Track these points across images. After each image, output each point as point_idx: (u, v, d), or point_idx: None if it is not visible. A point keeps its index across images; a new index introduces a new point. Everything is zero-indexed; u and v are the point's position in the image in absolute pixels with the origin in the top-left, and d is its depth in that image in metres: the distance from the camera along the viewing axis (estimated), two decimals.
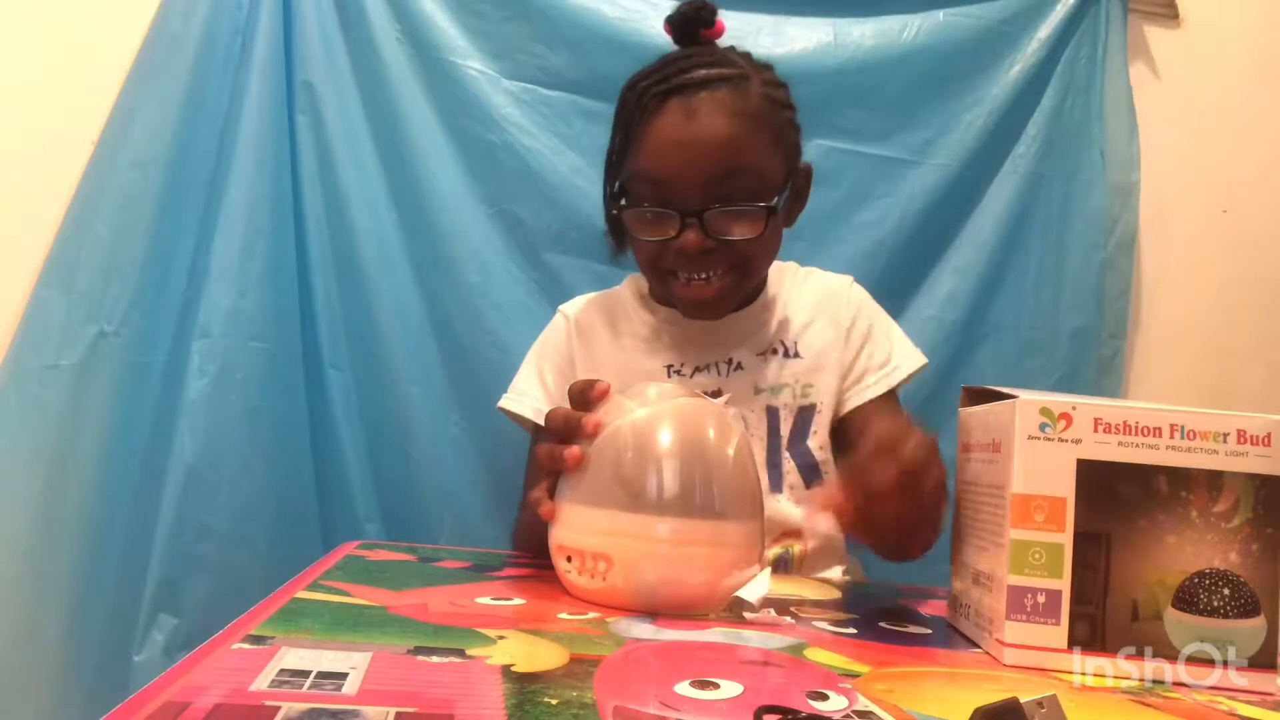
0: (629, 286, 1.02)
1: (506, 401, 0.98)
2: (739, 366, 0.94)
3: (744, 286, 0.92)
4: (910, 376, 0.97)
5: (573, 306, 1.01)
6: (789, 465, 0.92)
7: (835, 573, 0.93)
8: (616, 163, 0.90)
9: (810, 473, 0.93)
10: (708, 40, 0.92)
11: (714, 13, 0.92)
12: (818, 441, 0.93)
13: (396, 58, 1.17)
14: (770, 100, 0.88)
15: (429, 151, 1.17)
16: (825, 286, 1.00)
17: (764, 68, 0.91)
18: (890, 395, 0.95)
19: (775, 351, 0.95)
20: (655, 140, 0.85)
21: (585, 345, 0.97)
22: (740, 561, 0.62)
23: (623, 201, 0.88)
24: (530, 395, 0.97)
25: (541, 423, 0.89)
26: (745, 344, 0.95)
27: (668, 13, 1.09)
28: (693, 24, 0.91)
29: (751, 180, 0.85)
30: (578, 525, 0.63)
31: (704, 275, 0.87)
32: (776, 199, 0.87)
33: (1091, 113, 1.29)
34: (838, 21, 1.24)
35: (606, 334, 0.98)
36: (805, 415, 0.93)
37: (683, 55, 0.89)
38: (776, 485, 0.92)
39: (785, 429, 0.93)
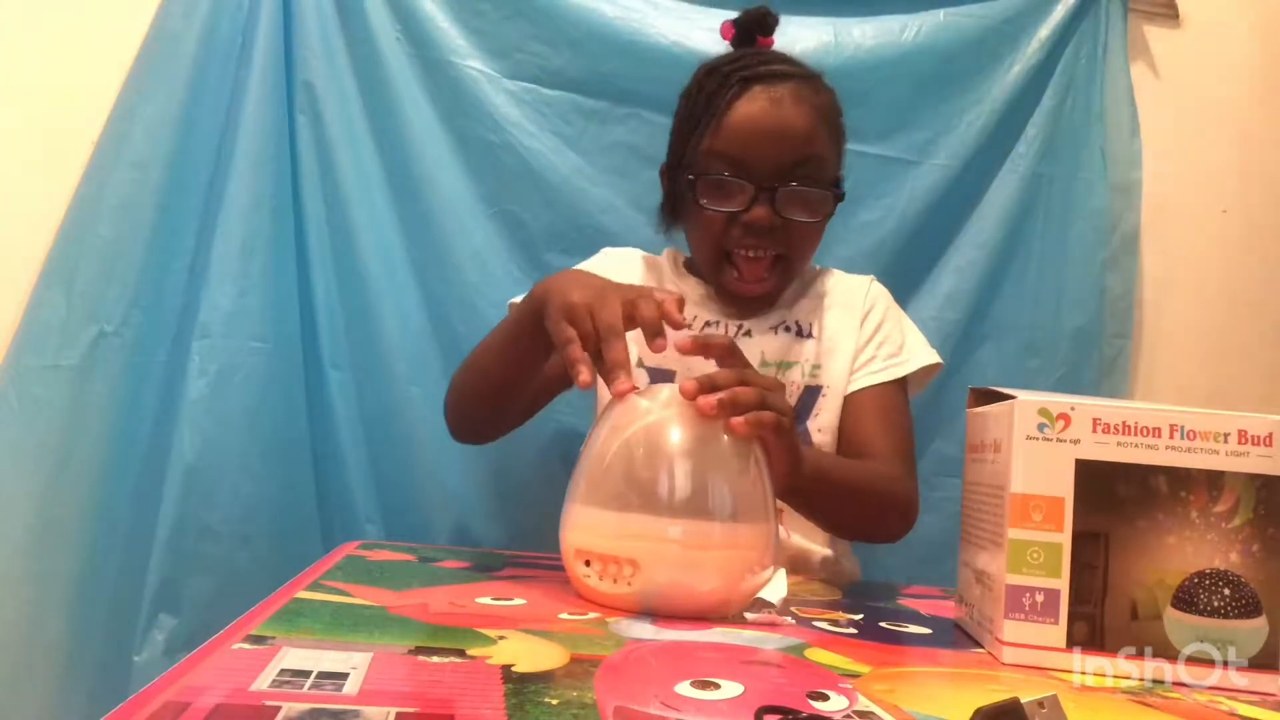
0: (668, 258, 1.04)
1: (517, 297, 0.93)
2: (748, 333, 0.95)
3: (790, 278, 0.97)
4: (923, 374, 0.97)
5: (617, 250, 1.05)
6: None
7: (816, 540, 0.93)
8: (687, 138, 0.93)
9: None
10: (761, 46, 0.99)
11: (777, 21, 0.99)
12: (818, 424, 0.93)
13: (396, 58, 1.16)
14: (834, 105, 0.95)
15: (429, 151, 1.17)
16: (845, 281, 1.03)
17: (821, 75, 0.96)
18: (897, 387, 0.95)
19: (789, 329, 0.96)
20: (739, 121, 0.90)
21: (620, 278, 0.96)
22: (755, 564, 0.61)
23: (690, 174, 0.91)
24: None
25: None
26: (760, 315, 0.97)
27: (668, 12, 1.10)
28: (754, 29, 0.99)
29: (820, 171, 0.92)
30: (598, 529, 0.62)
31: (760, 253, 0.91)
32: (841, 189, 0.94)
33: (1092, 112, 1.29)
34: (838, 21, 1.24)
35: (643, 280, 0.99)
36: (810, 395, 0.94)
37: (756, 51, 0.97)
38: None
39: None
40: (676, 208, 0.98)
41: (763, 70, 0.91)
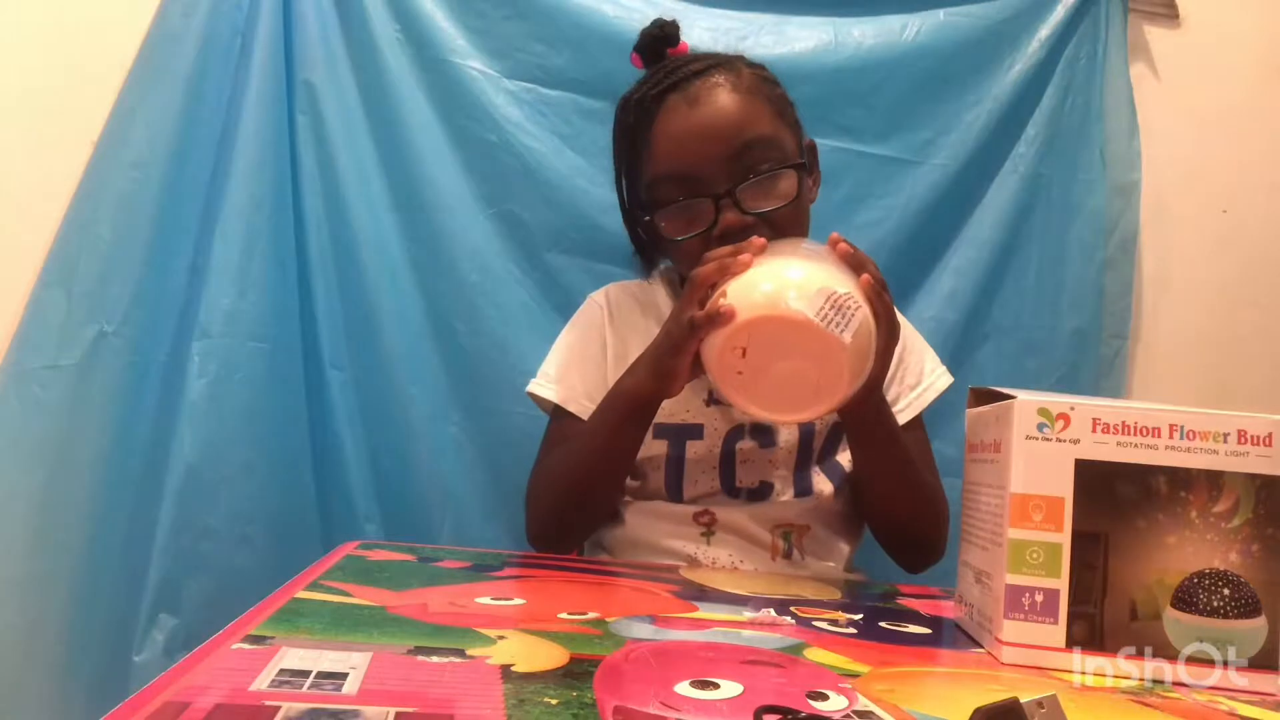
0: (661, 277, 1.00)
1: (536, 387, 0.96)
2: None
3: None
4: (938, 397, 0.96)
5: (607, 294, 1.00)
6: (818, 477, 0.93)
7: (837, 566, 0.93)
8: (630, 179, 0.90)
9: (840, 484, 0.94)
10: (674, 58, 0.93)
11: (678, 29, 0.93)
12: (848, 457, 0.93)
13: (396, 58, 1.17)
14: (760, 78, 0.89)
15: (429, 151, 1.17)
16: None
17: (740, 56, 0.92)
18: (918, 416, 0.95)
19: None
20: (666, 138, 0.86)
21: (617, 333, 0.96)
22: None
23: (647, 214, 0.87)
24: (562, 383, 0.95)
25: (571, 409, 0.92)
26: None
27: (668, 12, 1.10)
28: (659, 43, 0.92)
29: (769, 149, 0.85)
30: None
31: None
32: (801, 160, 0.87)
33: (1091, 113, 1.29)
34: (838, 21, 1.24)
35: (640, 323, 0.96)
36: (838, 430, 0.93)
37: (659, 67, 0.91)
38: (805, 490, 0.92)
39: (817, 443, 0.93)
40: (650, 248, 0.95)
41: (671, 79, 0.87)
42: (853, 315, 0.65)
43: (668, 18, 0.94)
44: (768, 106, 0.87)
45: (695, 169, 0.84)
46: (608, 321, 0.97)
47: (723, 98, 0.85)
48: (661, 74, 0.88)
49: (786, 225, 0.83)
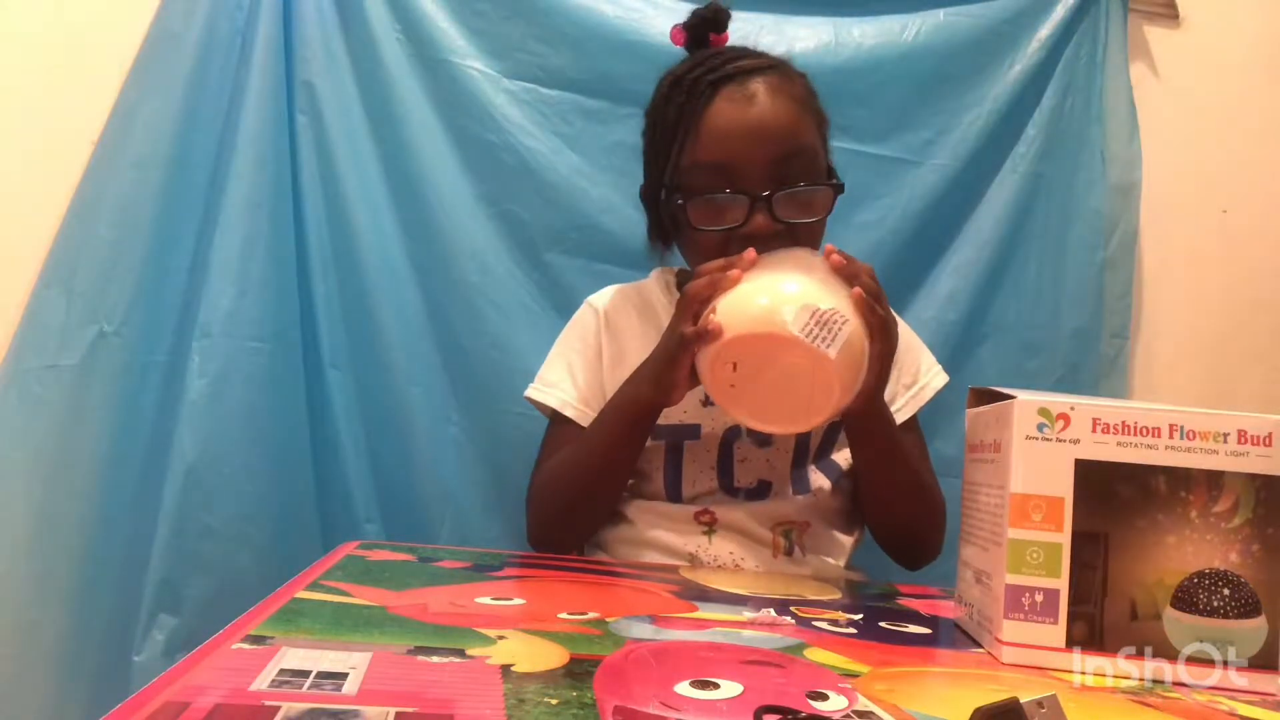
0: (657, 280, 1.01)
1: (534, 392, 0.97)
2: None
3: None
4: (934, 396, 0.97)
5: (601, 299, 1.00)
6: (815, 475, 0.93)
7: (839, 562, 0.93)
8: (665, 158, 0.89)
9: (837, 480, 0.94)
10: (715, 45, 0.93)
11: (728, 17, 0.93)
12: (845, 455, 0.93)
13: (396, 58, 1.17)
14: (810, 89, 0.90)
15: (429, 151, 1.17)
16: None
17: (788, 60, 0.92)
18: (915, 415, 0.96)
19: None
20: (715, 127, 0.85)
21: (613, 337, 0.97)
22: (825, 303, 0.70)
23: (678, 196, 0.86)
24: (559, 387, 0.96)
25: (568, 414, 0.93)
26: None
27: (668, 12, 1.10)
28: (706, 26, 0.92)
29: (809, 163, 0.86)
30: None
31: None
32: (834, 180, 0.88)
33: (1091, 113, 1.29)
34: (838, 21, 1.24)
35: (636, 326, 0.97)
36: (834, 429, 0.94)
37: (714, 52, 0.90)
38: (804, 488, 0.93)
39: (814, 443, 0.93)
40: (666, 230, 0.93)
41: (730, 69, 0.86)
42: (839, 329, 0.66)
43: (719, 4, 0.94)
44: (812, 119, 0.88)
45: (739, 165, 0.83)
46: (603, 326, 0.98)
47: (778, 102, 0.85)
48: (720, 61, 0.87)
49: (809, 237, 0.85)
